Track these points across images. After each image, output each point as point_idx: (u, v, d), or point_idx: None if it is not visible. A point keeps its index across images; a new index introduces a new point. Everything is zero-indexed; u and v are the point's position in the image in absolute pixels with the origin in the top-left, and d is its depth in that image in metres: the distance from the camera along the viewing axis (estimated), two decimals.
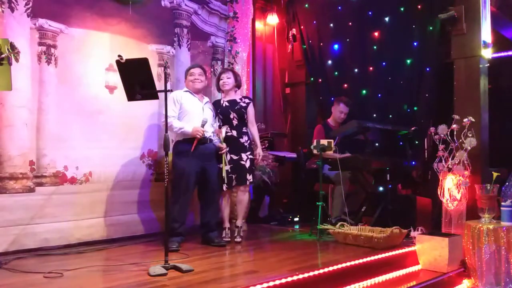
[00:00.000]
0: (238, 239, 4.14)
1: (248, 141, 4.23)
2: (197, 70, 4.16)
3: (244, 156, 4.15)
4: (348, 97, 5.25)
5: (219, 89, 4.40)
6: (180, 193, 3.92)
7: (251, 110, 4.30)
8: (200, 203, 4.17)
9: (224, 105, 4.24)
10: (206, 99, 4.24)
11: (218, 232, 4.15)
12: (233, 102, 4.25)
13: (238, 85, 4.36)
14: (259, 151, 4.30)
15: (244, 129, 4.23)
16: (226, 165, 4.05)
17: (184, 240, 3.97)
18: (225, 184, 4.11)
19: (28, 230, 3.68)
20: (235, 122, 4.20)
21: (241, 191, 4.23)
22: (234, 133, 4.18)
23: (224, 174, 4.05)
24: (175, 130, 3.96)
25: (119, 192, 4.29)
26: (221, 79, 4.31)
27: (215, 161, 4.08)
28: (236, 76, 4.35)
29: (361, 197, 4.89)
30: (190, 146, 3.95)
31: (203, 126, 3.92)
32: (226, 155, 4.11)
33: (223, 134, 4.07)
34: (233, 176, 4.12)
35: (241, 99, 4.30)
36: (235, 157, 4.14)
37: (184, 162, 3.95)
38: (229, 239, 4.19)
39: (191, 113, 4.02)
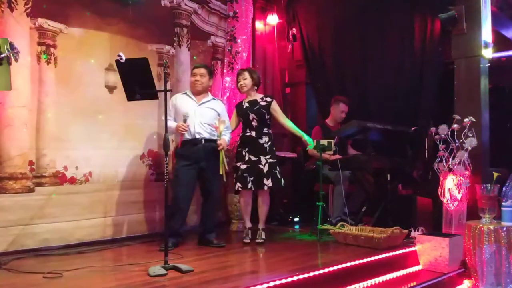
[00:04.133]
0: (259, 240, 4.12)
1: (269, 143, 4.14)
2: (199, 71, 4.08)
3: (263, 159, 4.07)
4: (349, 97, 5.23)
5: (240, 91, 4.37)
6: (175, 194, 3.91)
7: (276, 107, 4.22)
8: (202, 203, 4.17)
9: (244, 106, 4.20)
10: (207, 98, 4.13)
11: (218, 232, 4.15)
12: (253, 103, 4.20)
13: (256, 83, 4.26)
14: (307, 138, 4.20)
15: (265, 130, 4.16)
16: (224, 164, 3.91)
17: (180, 240, 3.95)
18: (238, 183, 4.08)
19: (28, 230, 3.68)
20: (254, 123, 4.14)
21: (260, 195, 4.18)
22: (253, 133, 4.14)
23: (222, 172, 3.92)
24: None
25: (119, 192, 4.29)
26: (238, 82, 4.26)
27: (213, 161, 3.97)
28: (252, 75, 4.23)
29: (361, 197, 4.89)
30: (185, 148, 3.96)
31: (185, 121, 3.82)
32: (245, 155, 4.06)
33: (221, 129, 3.96)
34: (249, 177, 4.05)
35: (262, 98, 4.23)
36: (253, 158, 4.07)
37: (180, 164, 3.95)
38: (249, 240, 4.14)
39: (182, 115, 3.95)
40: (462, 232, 3.87)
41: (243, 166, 4.07)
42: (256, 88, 4.28)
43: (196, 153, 3.94)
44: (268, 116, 4.19)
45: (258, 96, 4.26)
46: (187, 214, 4.05)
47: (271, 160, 4.10)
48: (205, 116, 4.03)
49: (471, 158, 3.95)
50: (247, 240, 4.13)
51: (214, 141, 3.99)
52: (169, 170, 3.26)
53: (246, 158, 4.08)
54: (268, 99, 4.23)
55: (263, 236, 4.18)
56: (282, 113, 4.27)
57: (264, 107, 4.17)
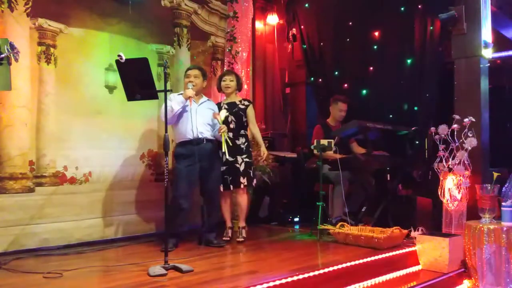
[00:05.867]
0: (239, 239, 4.18)
1: (246, 144, 4.23)
2: (193, 72, 4.06)
3: (239, 159, 4.15)
4: (348, 97, 5.23)
5: (219, 90, 4.39)
6: (178, 194, 3.88)
7: (250, 112, 4.29)
8: (203, 203, 4.18)
9: (223, 107, 4.24)
10: (203, 99, 4.15)
11: (218, 232, 4.14)
12: (231, 105, 4.26)
13: (239, 88, 4.38)
14: (263, 149, 4.29)
15: (242, 132, 4.23)
16: (227, 147, 3.94)
17: (179, 241, 3.94)
18: (221, 185, 4.14)
19: (28, 230, 3.68)
20: (232, 125, 4.20)
21: (238, 194, 4.23)
22: (230, 135, 4.17)
23: (224, 150, 3.92)
24: (174, 108, 3.83)
25: (119, 192, 4.29)
26: (224, 81, 4.30)
27: (214, 161, 4.06)
28: (238, 79, 4.36)
29: (361, 197, 4.88)
30: (187, 148, 3.94)
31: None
32: (223, 157, 4.08)
33: (222, 117, 4.00)
34: (229, 178, 4.13)
35: (240, 101, 4.30)
36: (231, 159, 4.14)
37: (182, 164, 3.93)
38: (229, 238, 4.24)
39: (183, 114, 3.95)
40: (462, 232, 3.87)
41: (223, 168, 4.13)
42: (237, 92, 4.38)
43: (198, 152, 3.94)
44: (246, 119, 4.27)
45: (236, 99, 4.34)
46: (188, 214, 4.05)
47: (247, 160, 4.18)
48: (205, 116, 4.05)
49: (471, 158, 3.95)
50: (226, 238, 4.23)
51: (213, 141, 4.06)
52: (169, 170, 3.26)
53: (224, 159, 4.12)
54: (246, 102, 4.33)
55: (244, 234, 4.23)
56: (253, 120, 4.32)
57: (243, 110, 4.26)
